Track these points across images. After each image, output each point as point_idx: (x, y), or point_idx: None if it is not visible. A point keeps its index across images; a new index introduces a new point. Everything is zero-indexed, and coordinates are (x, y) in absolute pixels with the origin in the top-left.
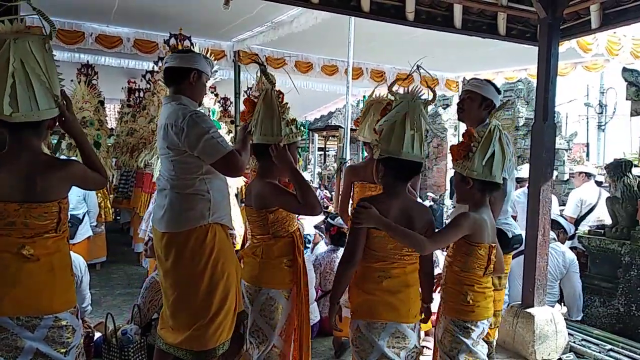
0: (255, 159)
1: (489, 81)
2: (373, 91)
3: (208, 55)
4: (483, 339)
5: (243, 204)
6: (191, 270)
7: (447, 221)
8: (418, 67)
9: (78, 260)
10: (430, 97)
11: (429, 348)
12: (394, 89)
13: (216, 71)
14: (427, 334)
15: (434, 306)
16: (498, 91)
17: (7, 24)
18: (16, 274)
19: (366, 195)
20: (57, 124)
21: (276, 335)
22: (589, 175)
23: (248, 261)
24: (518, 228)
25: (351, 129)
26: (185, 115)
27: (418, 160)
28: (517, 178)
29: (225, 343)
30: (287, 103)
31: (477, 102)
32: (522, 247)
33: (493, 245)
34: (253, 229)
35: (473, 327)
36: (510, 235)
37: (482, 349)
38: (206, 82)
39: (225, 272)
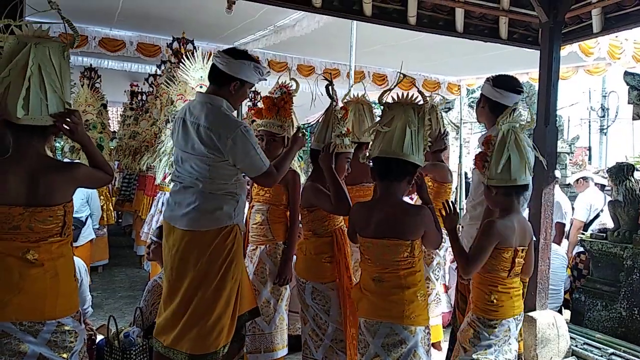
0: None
1: (500, 80)
2: (349, 92)
3: (210, 58)
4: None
5: None
6: (207, 269)
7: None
8: (403, 75)
9: (78, 263)
10: (433, 102)
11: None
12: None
13: (265, 78)
14: (435, 347)
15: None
16: (514, 90)
17: (30, 27)
18: (21, 279)
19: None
20: (64, 133)
21: (333, 320)
22: (585, 178)
23: (298, 256)
24: None
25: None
26: (235, 128)
27: (393, 157)
28: None
29: (225, 346)
30: (344, 117)
31: (482, 104)
32: None
33: (521, 248)
34: (303, 228)
35: (497, 325)
36: None
37: (509, 348)
38: (250, 88)
39: (235, 274)
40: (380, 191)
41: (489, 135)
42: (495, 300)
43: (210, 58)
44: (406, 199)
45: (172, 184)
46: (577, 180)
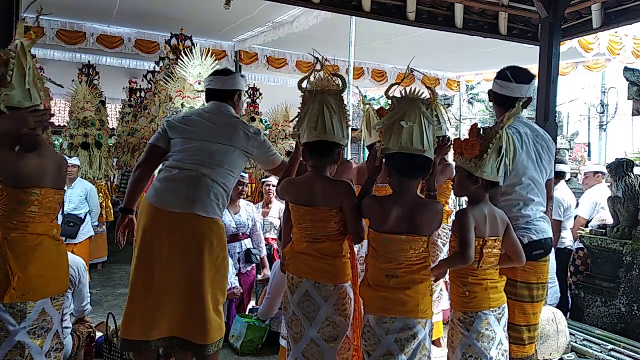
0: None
1: (512, 70)
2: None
3: (209, 55)
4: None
5: None
6: (215, 257)
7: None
8: (411, 70)
9: (76, 260)
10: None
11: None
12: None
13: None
14: (434, 343)
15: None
16: (522, 80)
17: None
18: (57, 256)
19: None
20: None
21: (349, 326)
22: (604, 174)
23: (314, 261)
24: (542, 232)
25: (352, 129)
26: (259, 132)
27: (417, 153)
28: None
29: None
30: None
31: (493, 100)
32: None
33: (492, 238)
34: (321, 229)
35: (473, 318)
36: (526, 241)
37: (494, 345)
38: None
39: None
40: (396, 186)
41: (475, 123)
42: (467, 292)
43: (209, 54)
44: None
45: (164, 171)
46: (595, 173)
